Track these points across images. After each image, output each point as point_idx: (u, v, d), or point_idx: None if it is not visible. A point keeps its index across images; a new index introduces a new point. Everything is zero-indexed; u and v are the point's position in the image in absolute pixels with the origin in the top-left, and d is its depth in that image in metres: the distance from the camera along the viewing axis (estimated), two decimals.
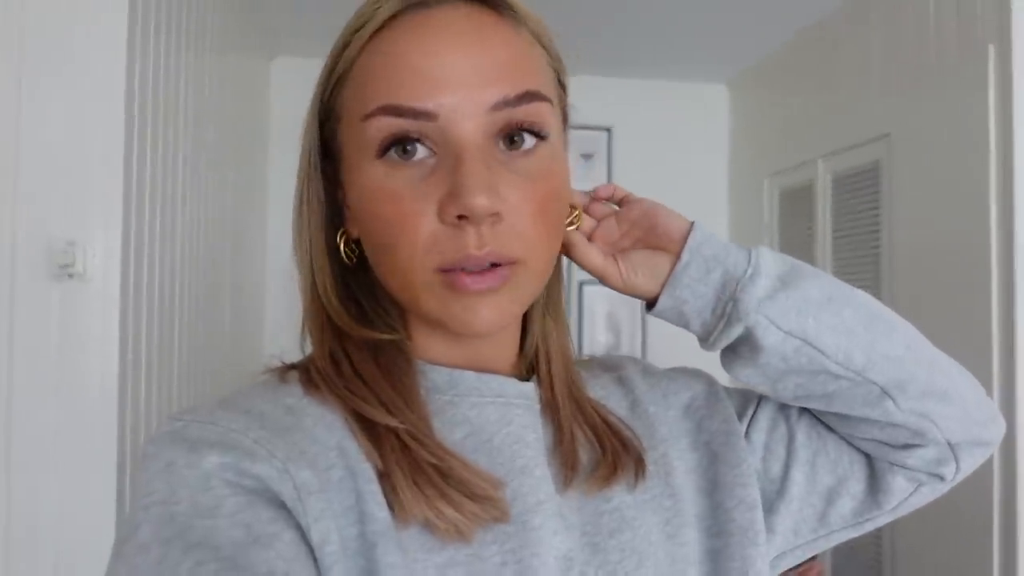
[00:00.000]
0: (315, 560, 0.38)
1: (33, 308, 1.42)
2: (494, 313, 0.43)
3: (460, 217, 0.41)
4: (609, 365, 0.60)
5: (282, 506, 0.38)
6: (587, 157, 3.32)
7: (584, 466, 0.49)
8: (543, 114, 0.44)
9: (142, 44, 1.58)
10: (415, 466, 0.41)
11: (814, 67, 2.78)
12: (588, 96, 3.74)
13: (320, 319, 0.47)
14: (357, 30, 0.44)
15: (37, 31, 1.42)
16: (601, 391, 0.56)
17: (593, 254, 0.53)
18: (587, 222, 0.55)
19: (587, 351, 3.29)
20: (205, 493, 0.36)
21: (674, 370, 0.61)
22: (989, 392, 1.89)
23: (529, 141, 0.44)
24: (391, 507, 0.40)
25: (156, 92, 1.68)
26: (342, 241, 0.48)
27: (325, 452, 0.41)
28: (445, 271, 0.42)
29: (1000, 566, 1.87)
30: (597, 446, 0.50)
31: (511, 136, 0.43)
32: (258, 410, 0.41)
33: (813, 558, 1.92)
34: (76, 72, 1.44)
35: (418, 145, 0.42)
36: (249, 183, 2.67)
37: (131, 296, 1.54)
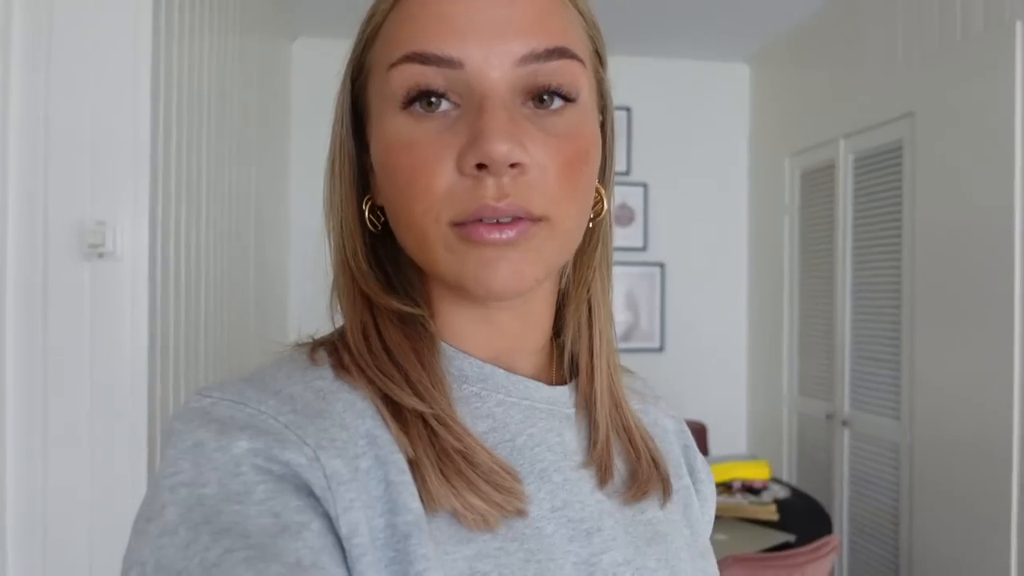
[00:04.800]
0: (343, 551, 0.37)
1: (66, 286, 1.46)
2: (512, 270, 0.40)
3: (479, 167, 0.39)
4: (648, 385, 0.60)
5: (311, 494, 0.37)
6: None
7: (619, 474, 0.48)
8: (574, 73, 0.42)
9: (167, 27, 1.60)
10: (442, 452, 0.40)
11: (836, 44, 2.74)
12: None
13: (350, 288, 0.46)
14: None
15: (64, 15, 1.45)
16: (639, 403, 0.55)
17: None
18: None
19: None
20: (235, 478, 0.36)
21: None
22: (1010, 374, 1.89)
23: (557, 101, 0.42)
24: (421, 497, 0.39)
25: (180, 75, 1.70)
26: (367, 207, 0.47)
27: (355, 440, 0.40)
28: (460, 224, 0.40)
29: (1018, 560, 1.88)
30: (632, 455, 0.49)
31: (540, 96, 0.42)
32: (288, 392, 0.40)
33: (829, 532, 1.94)
34: (103, 57, 1.47)
35: (443, 99, 0.41)
36: (272, 162, 2.71)
37: (159, 273, 1.58)
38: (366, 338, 0.44)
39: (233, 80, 2.15)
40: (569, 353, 0.51)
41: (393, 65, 0.41)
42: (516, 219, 0.40)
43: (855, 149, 2.63)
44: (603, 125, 0.50)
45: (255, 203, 2.44)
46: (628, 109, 3.31)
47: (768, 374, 3.24)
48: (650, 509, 0.48)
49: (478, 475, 0.40)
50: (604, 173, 0.49)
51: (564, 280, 0.52)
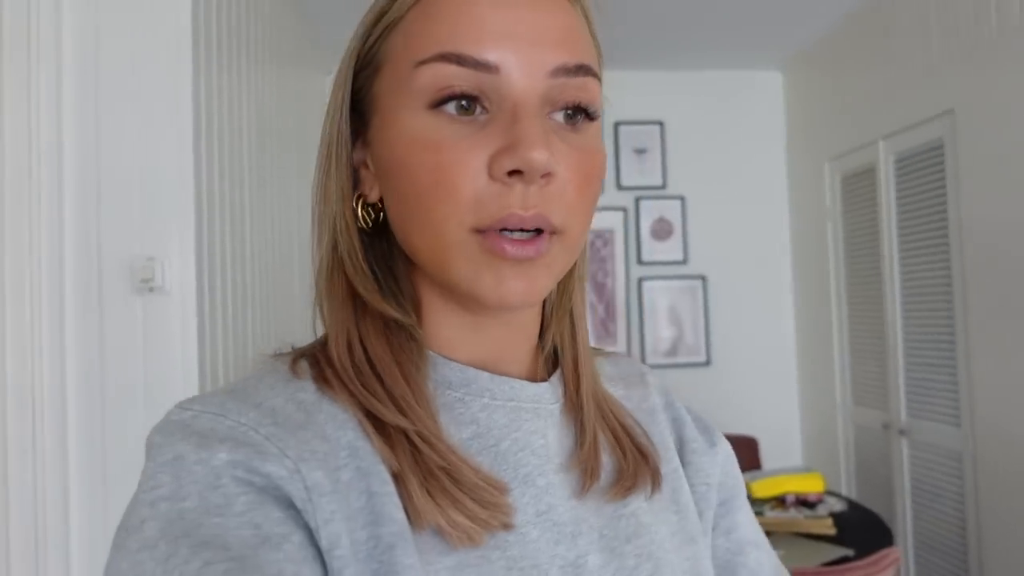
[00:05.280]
0: (323, 563, 0.37)
1: (120, 320, 1.53)
2: (528, 286, 0.40)
3: (512, 173, 0.39)
4: (632, 363, 0.59)
5: (291, 506, 0.37)
6: (640, 152, 3.31)
7: (606, 472, 0.47)
8: (594, 92, 0.43)
9: (206, 68, 1.68)
10: (426, 470, 0.40)
11: (870, 45, 2.70)
12: (639, 91, 3.72)
13: (341, 290, 0.45)
14: None
15: (111, 65, 1.53)
16: (623, 389, 0.55)
17: None
18: None
19: (649, 346, 3.28)
20: (214, 491, 0.35)
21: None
22: None
23: (581, 118, 0.43)
24: (406, 510, 0.39)
25: (221, 113, 1.78)
26: (359, 204, 0.45)
27: (336, 451, 0.39)
28: (483, 232, 0.40)
29: None
30: (618, 450, 0.49)
31: (566, 111, 0.42)
32: (270, 404, 0.40)
33: (890, 544, 1.87)
34: (148, 101, 1.55)
35: (476, 105, 0.40)
36: (311, 191, 2.78)
37: (207, 305, 1.64)
38: (350, 350, 0.43)
39: (272, 113, 2.23)
40: (550, 351, 0.51)
41: (423, 63, 0.40)
42: (536, 234, 0.40)
43: (895, 150, 2.58)
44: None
45: (297, 230, 2.51)
46: (661, 123, 3.31)
47: (820, 384, 3.16)
48: (634, 501, 0.48)
49: (463, 492, 0.40)
50: None
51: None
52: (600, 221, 3.29)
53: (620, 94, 3.32)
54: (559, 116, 0.42)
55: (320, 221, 0.46)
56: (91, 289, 1.52)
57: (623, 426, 0.50)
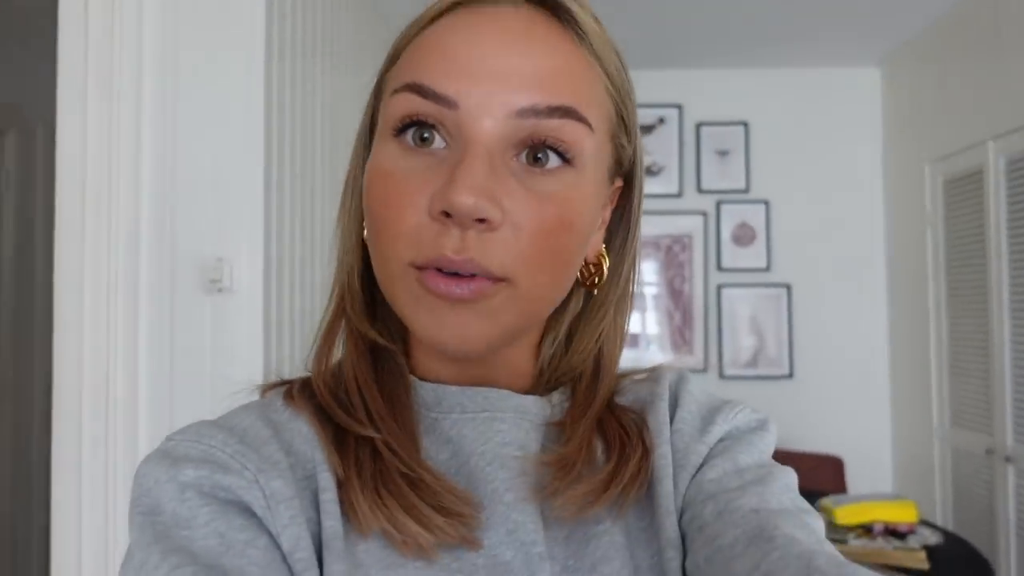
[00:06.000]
0: (289, 567, 0.38)
1: (190, 319, 1.56)
2: (464, 330, 0.39)
3: (446, 215, 0.38)
4: (657, 382, 0.51)
5: (253, 515, 0.39)
6: (722, 154, 3.18)
7: (587, 487, 0.43)
8: (576, 135, 0.40)
9: (278, 71, 1.70)
10: (385, 476, 0.40)
11: (977, 39, 2.49)
12: (722, 90, 3.59)
13: (337, 311, 0.47)
14: (425, 16, 0.44)
15: (187, 71, 1.57)
16: (647, 395, 0.49)
17: None
18: None
19: (728, 357, 3.15)
20: (181, 504, 0.38)
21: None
22: None
23: (554, 160, 0.40)
24: (348, 517, 0.39)
25: (293, 115, 1.80)
26: (366, 229, 0.45)
27: (302, 463, 0.41)
28: (420, 268, 0.39)
29: None
30: (610, 461, 0.44)
31: (535, 154, 0.40)
32: (241, 427, 0.42)
33: None
34: (220, 106, 1.58)
35: (436, 134, 0.40)
36: None
37: (273, 306, 1.66)
38: (337, 369, 0.45)
39: (345, 115, 2.25)
40: (550, 372, 0.48)
41: (396, 91, 0.41)
42: (474, 277, 0.39)
43: (1006, 151, 2.36)
44: (629, 193, 0.48)
45: None
46: (745, 124, 3.17)
47: (915, 404, 2.94)
48: (607, 519, 0.43)
49: (420, 498, 0.39)
50: (623, 243, 0.49)
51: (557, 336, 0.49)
52: (679, 226, 3.19)
53: (702, 94, 3.20)
54: (524, 157, 0.40)
55: (339, 241, 0.48)
56: (164, 288, 1.56)
57: (621, 440, 0.45)
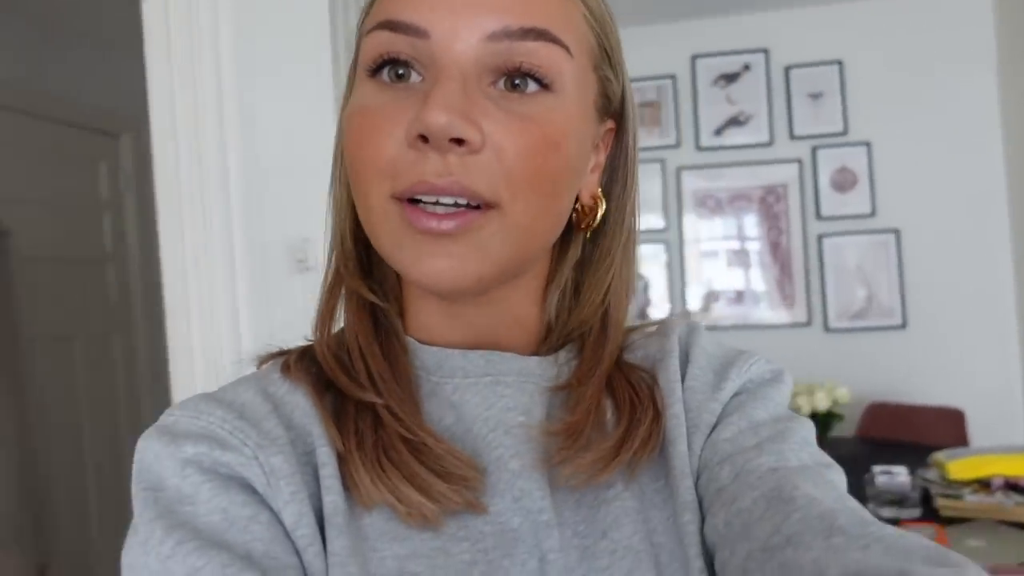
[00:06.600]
0: (292, 543, 0.38)
1: (282, 297, 1.68)
2: (449, 265, 0.38)
3: (422, 139, 0.37)
4: (667, 336, 0.49)
5: (254, 491, 0.39)
6: (815, 97, 3.00)
7: (598, 452, 0.42)
8: (553, 59, 0.39)
9: (346, 62, 1.77)
10: (387, 443, 0.39)
11: None
12: (810, 30, 3.38)
13: (335, 274, 0.46)
14: None
15: (266, 64, 1.67)
16: (656, 352, 0.48)
17: None
18: None
19: (833, 309, 3.00)
20: (183, 480, 0.38)
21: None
22: None
23: (532, 86, 0.39)
24: (350, 491, 0.39)
25: None
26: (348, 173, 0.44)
27: (302, 438, 0.41)
28: (400, 199, 0.38)
29: None
30: (620, 425, 0.43)
31: (512, 80, 0.39)
32: (239, 401, 0.42)
33: None
34: (293, 94, 1.67)
35: (411, 71, 0.39)
36: None
37: None
38: (339, 334, 0.44)
39: None
40: (559, 330, 0.46)
41: (368, 32, 0.41)
42: (459, 209, 0.38)
43: None
44: (618, 134, 0.46)
45: None
46: (840, 62, 2.97)
47: None
48: (619, 482, 0.42)
49: (422, 463, 0.38)
50: (623, 189, 0.47)
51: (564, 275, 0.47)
52: (771, 176, 3.05)
53: (789, 35, 3.02)
54: (502, 84, 0.39)
55: (331, 201, 0.48)
56: (257, 268, 1.68)
57: (631, 402, 0.44)
